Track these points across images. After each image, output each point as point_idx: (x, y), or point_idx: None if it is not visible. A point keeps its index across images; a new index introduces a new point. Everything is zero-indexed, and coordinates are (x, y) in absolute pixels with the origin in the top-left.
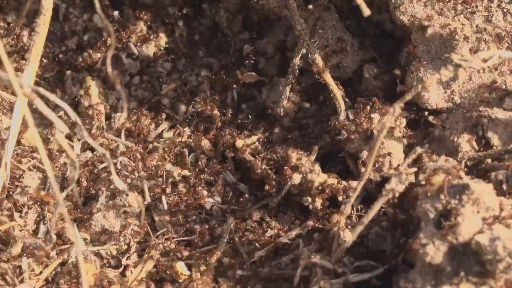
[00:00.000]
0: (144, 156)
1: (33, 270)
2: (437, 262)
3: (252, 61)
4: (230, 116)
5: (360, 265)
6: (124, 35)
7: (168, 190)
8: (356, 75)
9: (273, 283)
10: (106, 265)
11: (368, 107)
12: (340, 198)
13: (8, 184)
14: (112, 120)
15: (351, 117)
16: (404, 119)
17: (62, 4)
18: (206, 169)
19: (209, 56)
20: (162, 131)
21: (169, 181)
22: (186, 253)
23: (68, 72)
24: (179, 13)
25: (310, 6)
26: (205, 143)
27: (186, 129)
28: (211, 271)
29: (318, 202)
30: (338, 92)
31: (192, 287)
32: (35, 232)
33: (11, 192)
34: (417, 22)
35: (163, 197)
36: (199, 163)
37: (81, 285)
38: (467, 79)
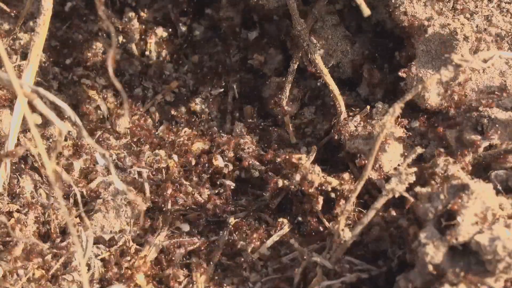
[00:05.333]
0: (145, 156)
1: (33, 273)
2: (437, 262)
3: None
4: (230, 116)
5: (360, 265)
6: (125, 35)
7: (170, 190)
8: (356, 75)
9: (273, 283)
10: (106, 265)
11: (368, 107)
12: (340, 198)
13: (9, 184)
14: (113, 120)
15: (351, 117)
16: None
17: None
18: (205, 169)
19: (209, 56)
20: (163, 132)
21: (170, 181)
22: (186, 253)
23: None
24: (180, 13)
25: (310, 6)
26: (204, 143)
27: (187, 129)
28: (211, 271)
29: (318, 202)
30: (338, 92)
31: (191, 287)
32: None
33: (11, 192)
34: (417, 22)
35: (165, 197)
36: (199, 163)
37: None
38: (467, 79)
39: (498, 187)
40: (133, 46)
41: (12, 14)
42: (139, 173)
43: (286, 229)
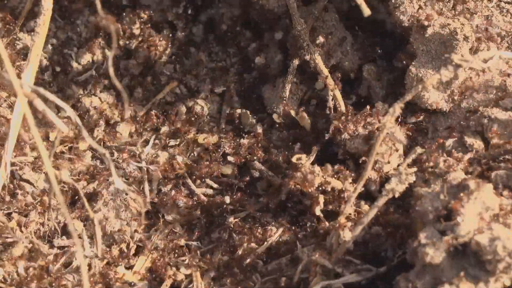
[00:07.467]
0: (146, 156)
1: (34, 274)
2: (437, 262)
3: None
4: (229, 116)
5: (360, 265)
6: (125, 36)
7: (172, 190)
8: (356, 75)
9: (273, 283)
10: (107, 264)
11: (368, 107)
12: (340, 198)
13: (9, 184)
14: (113, 120)
15: (351, 117)
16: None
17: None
18: (206, 169)
19: (209, 56)
20: (163, 132)
21: (171, 181)
22: (185, 253)
23: (70, 73)
24: (179, 13)
25: (310, 6)
26: (205, 143)
27: (187, 129)
28: (211, 271)
29: (318, 202)
30: (338, 92)
31: (191, 287)
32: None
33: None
34: (417, 22)
35: (169, 197)
36: (200, 163)
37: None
38: (467, 79)
39: (498, 187)
40: (133, 47)
41: (11, 16)
42: (140, 173)
43: (286, 229)
